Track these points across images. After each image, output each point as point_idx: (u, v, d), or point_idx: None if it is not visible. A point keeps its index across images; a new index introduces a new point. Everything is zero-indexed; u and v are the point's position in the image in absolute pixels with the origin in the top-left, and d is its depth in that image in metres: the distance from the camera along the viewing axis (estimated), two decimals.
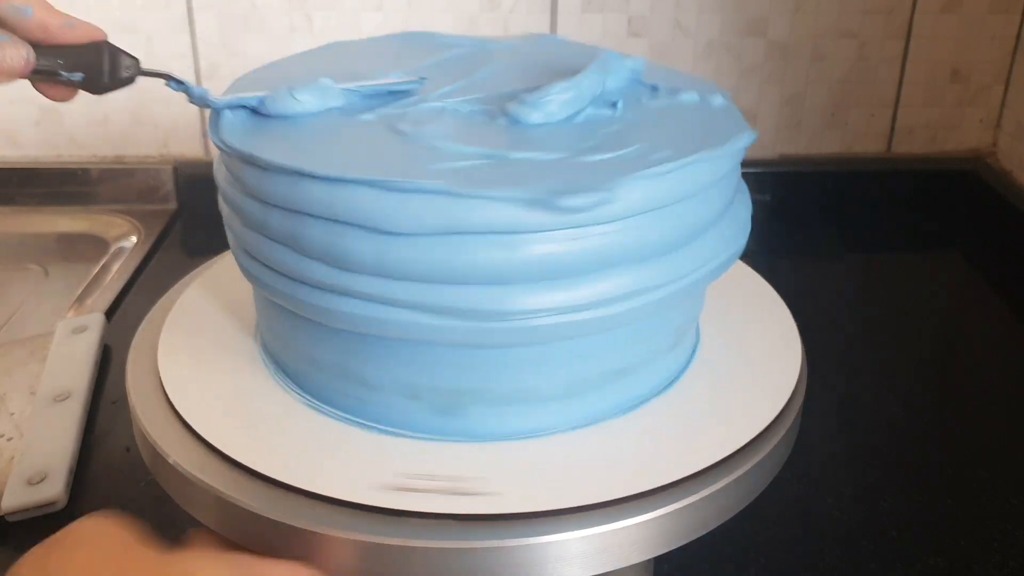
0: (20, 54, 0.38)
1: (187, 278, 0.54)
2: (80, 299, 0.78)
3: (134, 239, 0.88)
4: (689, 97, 0.46)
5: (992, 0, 0.91)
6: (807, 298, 0.74)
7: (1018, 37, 0.93)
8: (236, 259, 0.43)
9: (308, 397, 0.43)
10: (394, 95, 0.45)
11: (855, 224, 0.94)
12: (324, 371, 0.42)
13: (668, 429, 0.42)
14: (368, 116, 0.43)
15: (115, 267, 0.83)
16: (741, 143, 0.42)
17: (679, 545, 0.39)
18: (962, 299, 0.85)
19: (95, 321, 0.70)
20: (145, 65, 0.42)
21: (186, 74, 0.91)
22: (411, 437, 0.41)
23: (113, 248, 0.87)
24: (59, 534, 0.34)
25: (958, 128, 0.97)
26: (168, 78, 0.43)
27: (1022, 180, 0.92)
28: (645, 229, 0.38)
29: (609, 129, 0.42)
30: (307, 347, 0.42)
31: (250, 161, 0.39)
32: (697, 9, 0.90)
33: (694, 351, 0.47)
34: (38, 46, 0.39)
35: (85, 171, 0.94)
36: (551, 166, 0.39)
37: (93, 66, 0.40)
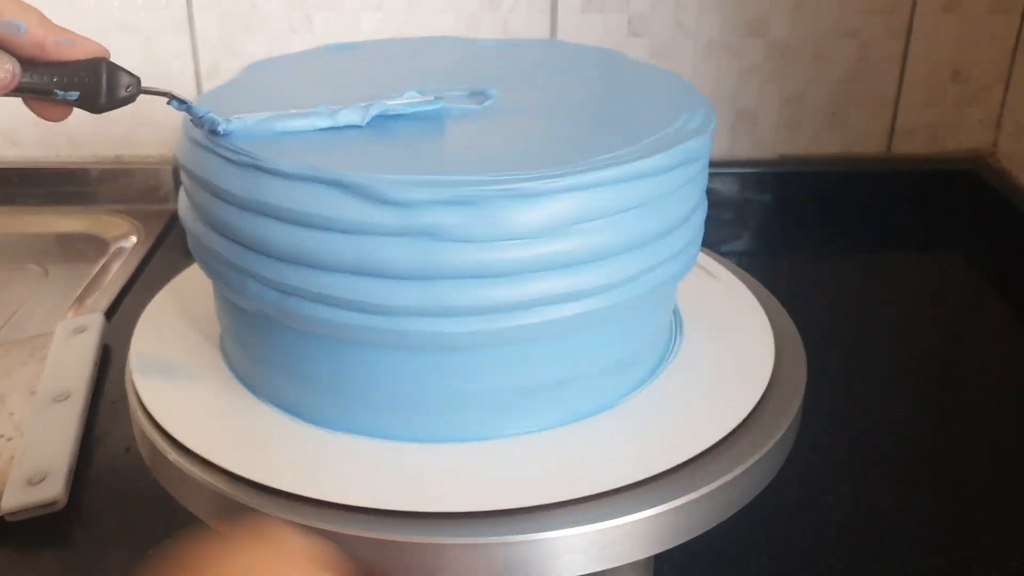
0: (4, 68, 0.36)
1: (184, 273, 0.54)
2: (80, 299, 0.78)
3: (134, 239, 0.88)
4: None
5: (992, 0, 0.91)
6: (807, 298, 0.74)
7: (1018, 37, 0.93)
8: (198, 260, 0.43)
9: (286, 409, 0.43)
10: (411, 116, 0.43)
11: (855, 224, 0.94)
12: (316, 385, 0.42)
13: (655, 421, 0.42)
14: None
15: (115, 267, 0.83)
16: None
17: (679, 543, 0.39)
18: (962, 299, 0.85)
19: (95, 321, 0.70)
20: (147, 83, 0.40)
21: (186, 74, 0.91)
22: (397, 441, 0.41)
23: (113, 248, 0.87)
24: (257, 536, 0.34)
25: (958, 128, 0.97)
26: (171, 97, 0.41)
27: (1022, 180, 0.92)
28: (613, 230, 0.39)
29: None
30: (291, 361, 0.42)
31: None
32: (697, 9, 0.90)
33: (675, 346, 0.48)
34: (31, 62, 0.37)
35: (85, 171, 0.94)
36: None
37: (90, 85, 0.39)
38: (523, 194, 0.36)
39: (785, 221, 0.93)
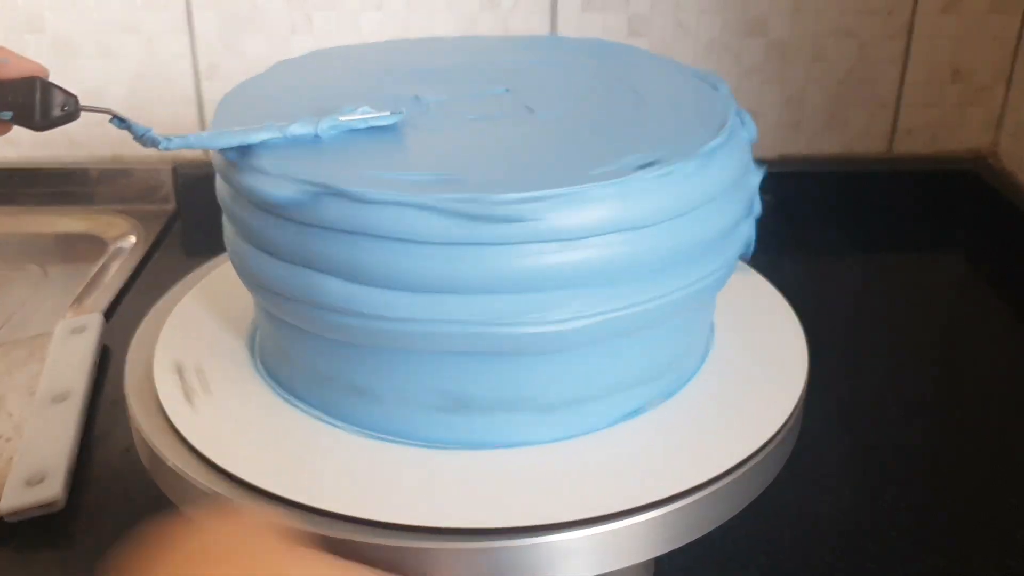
0: None
1: (188, 279, 0.54)
2: (79, 299, 0.78)
3: (133, 239, 0.88)
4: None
5: (993, 0, 0.91)
6: (808, 298, 0.73)
7: (1019, 37, 0.93)
8: (239, 273, 0.43)
9: (307, 407, 0.43)
10: (373, 130, 0.42)
11: (855, 224, 0.94)
12: (324, 381, 0.42)
13: (674, 437, 0.42)
14: None
15: (114, 267, 0.83)
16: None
17: (679, 545, 0.39)
18: (963, 299, 0.85)
19: (94, 321, 0.70)
20: (85, 102, 0.40)
21: (186, 74, 0.90)
22: (416, 446, 0.41)
23: (112, 248, 0.87)
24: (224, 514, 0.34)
25: (959, 128, 0.97)
26: (111, 115, 0.40)
27: (1023, 180, 0.92)
28: (653, 240, 0.38)
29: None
30: (308, 358, 0.42)
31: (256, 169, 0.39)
32: (697, 9, 0.90)
33: (705, 357, 0.47)
34: None
35: (84, 171, 0.94)
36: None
37: (24, 104, 0.39)
38: (546, 200, 0.36)
39: (785, 221, 0.93)
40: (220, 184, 0.43)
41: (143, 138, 0.40)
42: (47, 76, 0.40)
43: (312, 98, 0.45)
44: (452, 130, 0.43)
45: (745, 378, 0.46)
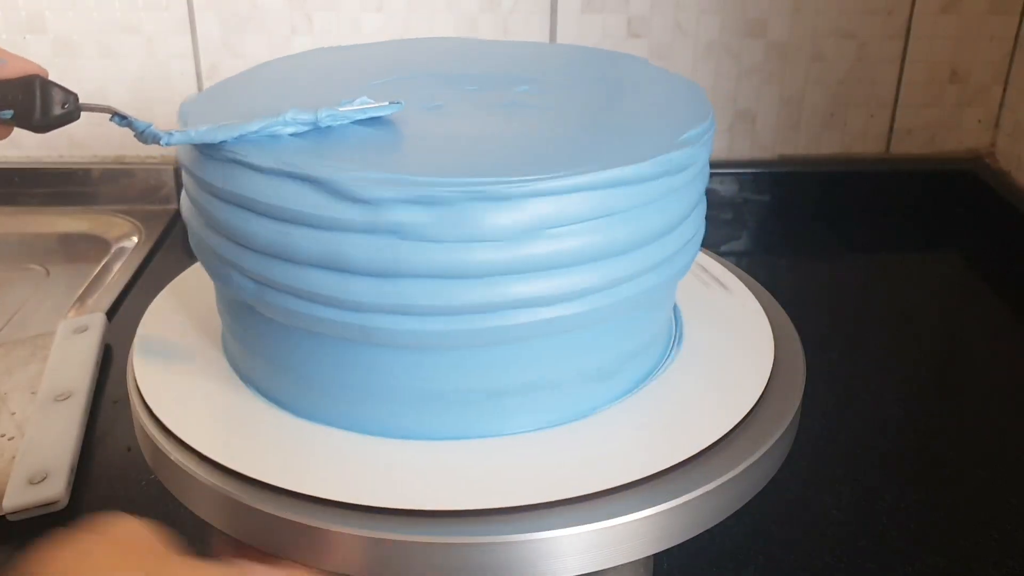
0: None
1: (185, 274, 0.54)
2: (81, 299, 0.78)
3: (135, 239, 0.88)
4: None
5: (991, 1, 0.91)
6: (807, 298, 0.74)
7: (1017, 38, 0.93)
8: (202, 261, 0.43)
9: (285, 406, 0.43)
10: (372, 120, 0.42)
11: (854, 224, 0.94)
12: (310, 382, 0.42)
13: (655, 419, 0.42)
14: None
15: (116, 267, 0.83)
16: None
17: (678, 542, 0.39)
18: (961, 299, 0.85)
19: (96, 321, 0.70)
20: (85, 100, 0.40)
21: (187, 74, 0.91)
22: (400, 438, 0.41)
23: (114, 248, 0.87)
24: (94, 530, 0.34)
25: (957, 128, 0.97)
26: (112, 113, 0.40)
27: (1021, 180, 0.92)
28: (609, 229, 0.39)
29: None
30: (282, 355, 0.42)
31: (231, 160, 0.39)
32: (697, 10, 0.90)
33: (676, 346, 0.48)
34: None
35: (86, 171, 0.94)
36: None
37: (23, 102, 0.38)
38: (488, 197, 0.36)
39: (784, 221, 0.93)
40: (190, 179, 0.43)
41: (144, 134, 0.40)
42: (46, 75, 0.40)
43: (287, 97, 0.45)
44: (447, 125, 0.43)
45: (713, 367, 0.46)
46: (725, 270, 0.54)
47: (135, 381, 0.45)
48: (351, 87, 0.47)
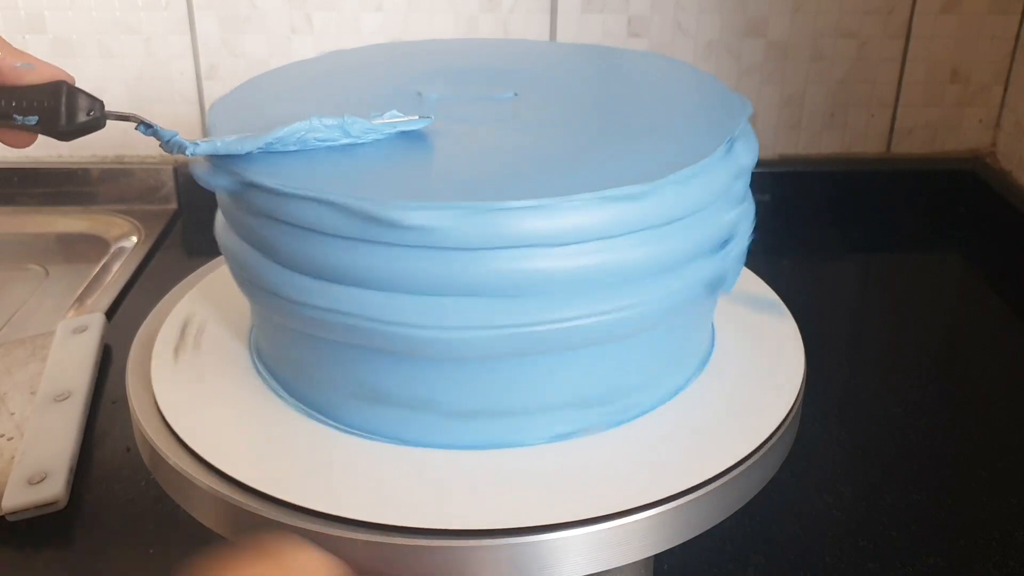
0: None
1: (189, 279, 0.54)
2: (80, 299, 0.78)
3: (134, 239, 0.88)
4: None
5: (992, 0, 0.91)
6: (807, 298, 0.74)
7: (1017, 37, 0.93)
8: (238, 282, 0.43)
9: (307, 409, 0.43)
10: (403, 135, 0.42)
11: (855, 224, 0.94)
12: (321, 382, 0.42)
13: (672, 438, 0.42)
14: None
15: (115, 267, 0.83)
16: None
17: (678, 543, 0.39)
18: (962, 299, 0.85)
19: (95, 321, 0.70)
20: (111, 107, 0.39)
21: (186, 74, 0.91)
22: (415, 447, 0.41)
23: (114, 248, 0.87)
24: (267, 553, 0.33)
25: (957, 128, 0.97)
26: (138, 121, 0.40)
27: (1021, 180, 0.92)
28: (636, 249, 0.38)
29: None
30: (306, 359, 0.42)
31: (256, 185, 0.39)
32: (697, 9, 0.90)
33: (706, 360, 0.47)
34: None
35: (86, 171, 0.94)
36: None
37: (49, 108, 0.38)
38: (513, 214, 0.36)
39: (784, 221, 0.93)
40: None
41: (169, 143, 0.40)
42: (73, 82, 0.39)
43: (310, 102, 0.45)
44: (456, 136, 0.43)
45: (741, 379, 0.46)
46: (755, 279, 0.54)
47: (140, 382, 0.45)
48: (379, 93, 0.47)
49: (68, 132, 0.38)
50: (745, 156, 0.44)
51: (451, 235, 0.36)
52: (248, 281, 0.42)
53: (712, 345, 0.48)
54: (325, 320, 0.39)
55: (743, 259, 0.45)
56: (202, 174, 0.41)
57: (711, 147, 0.41)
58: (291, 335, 0.42)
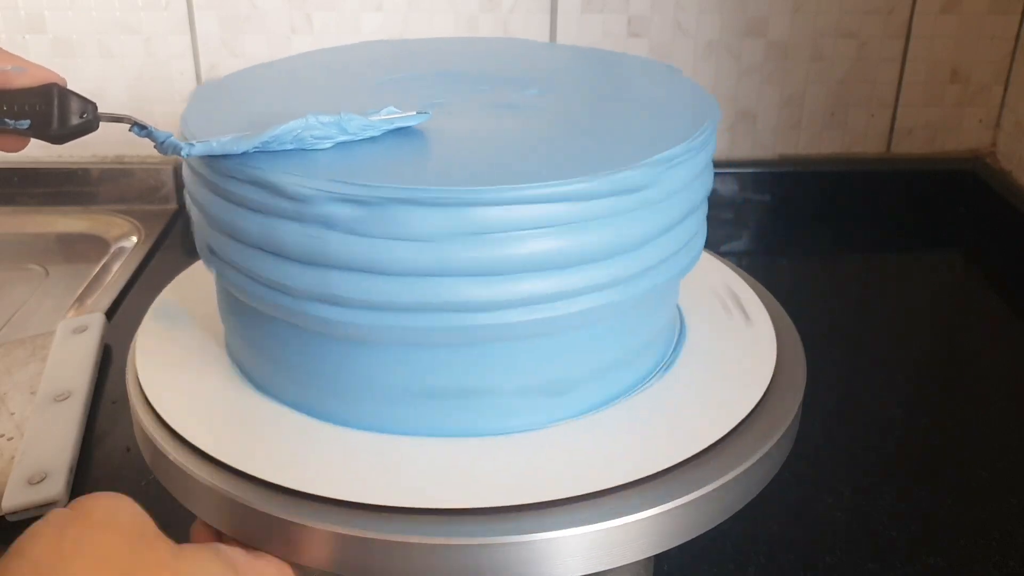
0: None
1: (184, 273, 0.54)
2: (80, 299, 0.78)
3: (134, 239, 0.88)
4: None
5: (992, 0, 0.91)
6: (806, 298, 0.74)
7: (1017, 37, 0.93)
8: (204, 259, 0.43)
9: (288, 403, 0.43)
10: (397, 131, 0.42)
11: (855, 224, 0.94)
12: (310, 377, 0.42)
13: (657, 418, 0.42)
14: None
15: (115, 267, 0.83)
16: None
17: (678, 543, 0.39)
18: (962, 299, 0.85)
19: (95, 321, 0.70)
20: (104, 110, 0.39)
21: (186, 74, 0.91)
22: (400, 435, 0.41)
23: (113, 248, 0.87)
24: (76, 508, 0.33)
25: (958, 128, 0.97)
26: (132, 123, 0.39)
27: (1022, 180, 0.92)
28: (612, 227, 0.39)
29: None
30: (285, 352, 0.42)
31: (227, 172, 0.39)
32: (697, 9, 0.90)
33: (678, 346, 0.47)
34: None
35: (85, 171, 0.94)
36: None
37: (41, 112, 0.37)
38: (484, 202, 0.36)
39: (785, 221, 0.93)
40: (192, 179, 0.43)
41: (164, 145, 0.40)
42: (65, 84, 0.38)
43: (289, 99, 0.45)
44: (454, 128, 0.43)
45: (721, 362, 0.46)
46: (731, 271, 0.54)
47: (136, 380, 0.45)
48: (354, 88, 0.47)
49: (60, 135, 0.38)
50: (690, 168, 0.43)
51: (380, 222, 0.36)
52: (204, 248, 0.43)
53: (682, 335, 0.48)
54: (262, 297, 0.40)
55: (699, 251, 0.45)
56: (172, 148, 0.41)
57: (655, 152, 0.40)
58: (264, 326, 0.42)
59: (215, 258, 0.42)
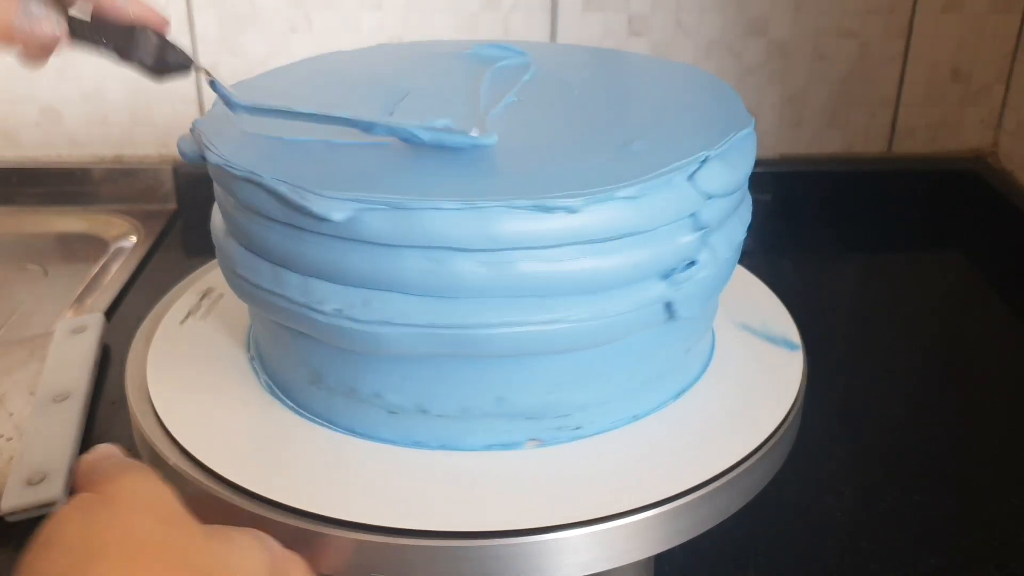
0: (51, 25, 0.38)
1: (188, 279, 0.54)
2: (80, 299, 0.78)
3: (134, 239, 0.88)
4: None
5: (993, 0, 0.91)
6: (807, 298, 0.74)
7: (1019, 37, 0.93)
8: (228, 281, 0.43)
9: (303, 411, 0.43)
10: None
11: (855, 224, 0.94)
12: (320, 385, 0.42)
13: (672, 439, 0.42)
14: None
15: (115, 267, 0.83)
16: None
17: (679, 543, 0.39)
18: (962, 299, 0.85)
19: (95, 321, 0.70)
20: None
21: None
22: (411, 447, 0.41)
23: (113, 248, 0.87)
24: (102, 489, 0.32)
25: (959, 128, 0.97)
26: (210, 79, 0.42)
27: (1023, 180, 0.92)
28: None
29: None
30: (305, 361, 0.42)
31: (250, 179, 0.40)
32: (698, 8, 0.90)
33: (708, 361, 0.47)
34: (79, 21, 0.40)
35: (85, 171, 0.94)
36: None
37: (129, 50, 0.41)
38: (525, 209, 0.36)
39: (785, 221, 0.93)
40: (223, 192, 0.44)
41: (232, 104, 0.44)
42: (165, 31, 0.42)
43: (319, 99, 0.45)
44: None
45: (740, 380, 0.46)
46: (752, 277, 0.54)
47: (139, 382, 0.45)
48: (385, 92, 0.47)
49: (159, 70, 0.43)
50: (712, 182, 0.42)
51: (368, 230, 0.36)
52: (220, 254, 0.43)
53: (712, 349, 0.48)
54: (268, 302, 0.40)
55: (708, 289, 0.42)
56: (187, 149, 0.42)
57: (661, 167, 0.40)
58: (302, 344, 0.42)
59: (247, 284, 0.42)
